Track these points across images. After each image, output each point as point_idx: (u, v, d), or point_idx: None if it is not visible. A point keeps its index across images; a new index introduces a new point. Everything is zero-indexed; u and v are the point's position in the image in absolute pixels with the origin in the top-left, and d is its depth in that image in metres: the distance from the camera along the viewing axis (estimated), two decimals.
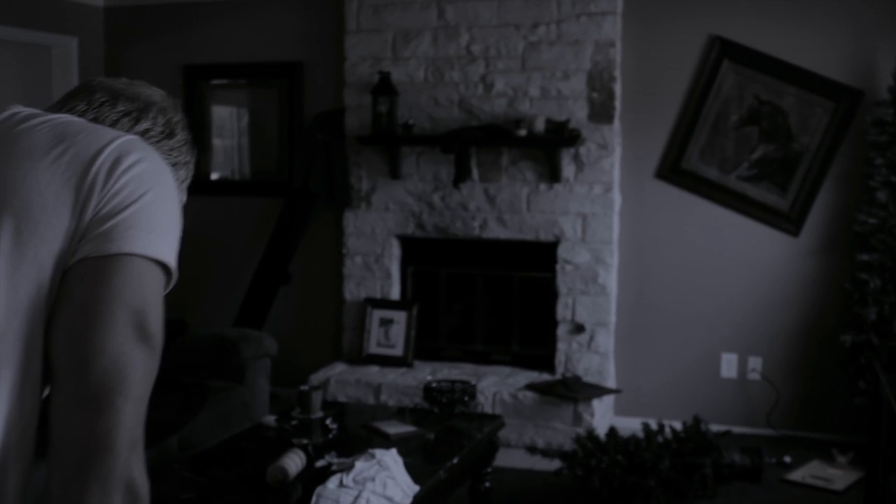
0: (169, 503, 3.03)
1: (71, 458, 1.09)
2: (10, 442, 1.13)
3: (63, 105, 1.35)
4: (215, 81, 6.33)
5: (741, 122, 5.29)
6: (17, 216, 1.12)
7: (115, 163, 1.17)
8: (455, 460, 3.46)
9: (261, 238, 6.15)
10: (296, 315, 6.17)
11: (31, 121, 1.23)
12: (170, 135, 1.39)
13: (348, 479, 2.95)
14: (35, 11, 5.73)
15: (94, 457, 1.08)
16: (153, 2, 6.24)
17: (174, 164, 1.39)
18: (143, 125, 1.35)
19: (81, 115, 1.32)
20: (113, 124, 1.32)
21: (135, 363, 1.11)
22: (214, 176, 6.40)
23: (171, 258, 1.18)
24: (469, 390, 4.05)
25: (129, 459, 1.10)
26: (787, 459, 4.85)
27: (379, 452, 3.10)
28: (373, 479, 2.95)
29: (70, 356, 1.11)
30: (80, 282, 1.12)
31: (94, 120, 1.32)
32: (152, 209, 1.17)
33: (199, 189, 6.23)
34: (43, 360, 1.14)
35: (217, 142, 6.40)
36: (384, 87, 5.60)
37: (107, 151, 1.17)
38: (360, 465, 3.02)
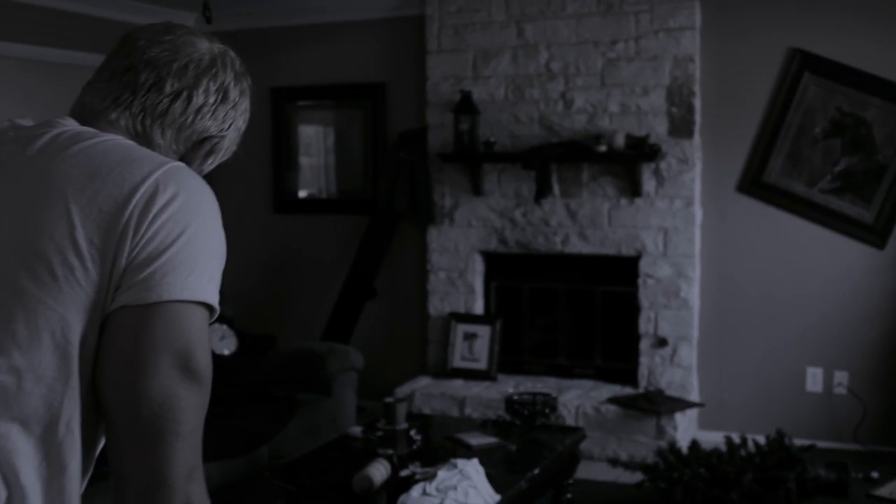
0: None
1: (129, 495, 1.14)
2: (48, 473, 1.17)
3: (109, 89, 1.33)
4: (301, 103, 6.51)
5: (823, 135, 5.27)
6: (52, 260, 1.13)
7: (149, 203, 1.16)
8: (536, 471, 3.53)
9: (347, 255, 6.31)
10: (382, 330, 6.30)
11: (72, 148, 1.21)
12: (224, 99, 1.39)
13: (431, 487, 3.05)
14: None
15: (150, 494, 1.13)
16: (241, 28, 6.45)
17: (230, 126, 1.42)
18: (196, 102, 1.35)
19: (128, 106, 1.31)
20: (163, 114, 1.32)
21: (183, 402, 1.14)
22: (302, 194, 6.58)
23: (211, 296, 1.19)
24: (550, 402, 4.12)
25: (187, 491, 1.14)
26: (875, 475, 4.79)
27: (461, 462, 3.19)
28: (455, 488, 3.04)
29: (119, 401, 1.14)
30: (121, 330, 1.14)
31: (143, 111, 1.31)
32: (190, 249, 1.16)
33: (287, 207, 6.48)
34: (89, 399, 1.17)
35: (304, 160, 6.58)
36: (465, 106, 5.71)
37: (140, 191, 1.16)
38: (442, 474, 3.12)
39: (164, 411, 1.13)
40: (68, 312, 1.13)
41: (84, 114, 1.33)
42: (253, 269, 6.52)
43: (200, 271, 1.17)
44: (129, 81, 1.32)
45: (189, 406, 1.15)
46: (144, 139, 1.32)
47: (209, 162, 1.43)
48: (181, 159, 1.37)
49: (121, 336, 1.14)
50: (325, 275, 6.43)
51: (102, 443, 1.24)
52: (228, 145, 1.45)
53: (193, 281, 1.16)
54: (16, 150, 1.23)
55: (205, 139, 1.39)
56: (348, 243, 6.33)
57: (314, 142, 6.60)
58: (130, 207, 1.15)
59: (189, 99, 1.34)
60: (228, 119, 1.41)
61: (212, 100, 1.36)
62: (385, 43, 6.20)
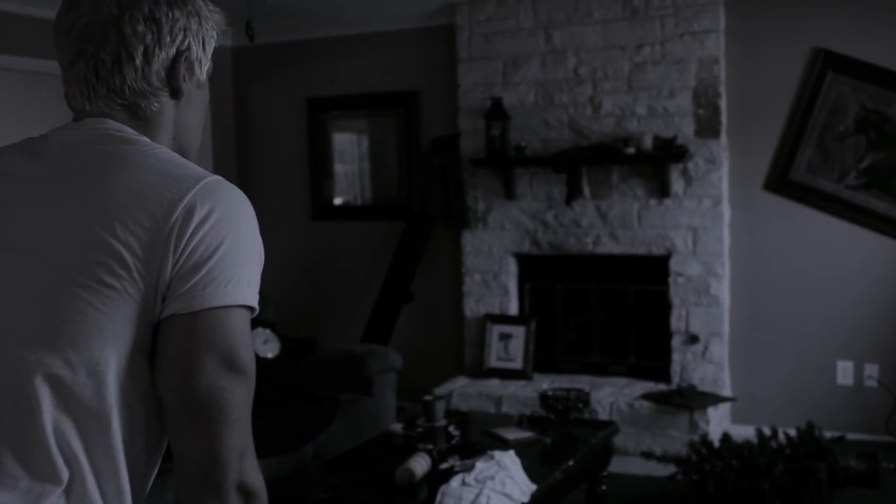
0: (307, 502, 3.32)
1: (189, 475, 1.29)
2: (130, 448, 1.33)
3: (75, 86, 1.38)
4: (337, 112, 6.68)
5: (848, 132, 5.36)
6: (100, 271, 1.25)
7: (187, 219, 1.25)
8: (571, 463, 3.66)
9: (384, 259, 6.47)
10: (419, 332, 6.45)
11: (117, 170, 1.30)
12: (158, 27, 1.37)
13: (470, 478, 3.19)
14: None
15: (206, 473, 1.28)
16: (278, 41, 6.63)
17: (185, 37, 1.39)
18: (137, 51, 1.35)
19: (96, 95, 1.37)
20: (123, 81, 1.36)
21: (228, 394, 1.27)
22: (338, 201, 6.75)
23: (250, 298, 1.30)
24: (583, 397, 4.25)
25: (239, 468, 1.29)
26: None
27: (498, 454, 3.34)
28: (492, 478, 3.18)
29: (174, 396, 1.27)
30: (172, 336, 1.26)
31: (108, 90, 1.36)
32: (227, 259, 1.27)
33: (324, 214, 6.65)
34: (150, 393, 1.32)
35: (339, 167, 6.74)
36: (496, 112, 5.86)
37: (178, 209, 1.25)
38: (480, 465, 3.26)
39: (213, 403, 1.27)
40: (116, 316, 1.26)
41: (79, 115, 1.42)
42: (293, 275, 6.70)
43: (239, 278, 1.28)
44: (78, 72, 1.38)
45: (235, 396, 1.29)
46: (132, 107, 1.40)
47: (201, 68, 1.45)
48: (172, 87, 1.41)
49: (172, 340, 1.28)
50: (362, 279, 6.59)
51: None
52: (207, 42, 1.45)
53: (232, 288, 1.28)
54: (65, 162, 1.34)
55: (172, 63, 1.40)
56: (384, 248, 6.49)
57: (349, 149, 6.76)
58: (170, 224, 1.25)
59: (130, 55, 1.36)
60: (177, 34, 1.39)
61: (149, 37, 1.37)
62: (417, 52, 6.36)
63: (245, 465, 1.30)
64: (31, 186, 1.34)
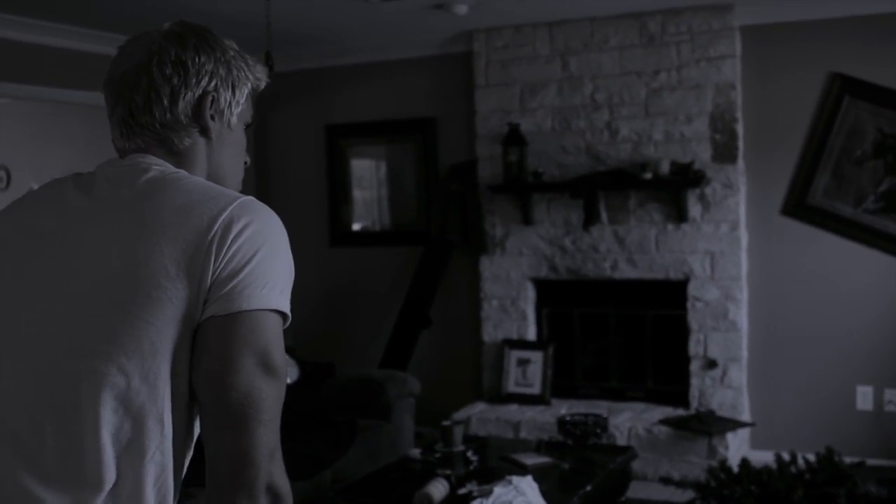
0: None
1: (222, 473, 1.34)
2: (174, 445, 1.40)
3: (117, 129, 1.52)
4: (355, 139, 6.73)
5: (866, 157, 5.36)
6: (148, 285, 1.34)
7: (226, 231, 1.36)
8: (589, 488, 3.66)
9: (402, 285, 6.49)
10: (437, 357, 6.46)
11: (161, 193, 1.41)
12: (185, 70, 1.49)
13: (488, 503, 3.20)
14: None
15: (239, 471, 1.33)
16: (297, 69, 6.69)
17: (211, 80, 1.51)
18: (164, 92, 1.48)
19: (133, 134, 1.49)
20: (154, 119, 1.48)
21: (264, 394, 1.35)
22: (356, 227, 6.79)
23: (283, 304, 1.39)
24: (601, 423, 4.25)
25: (269, 468, 1.35)
26: None
27: (516, 479, 3.35)
28: (510, 503, 3.19)
29: (212, 394, 1.34)
30: (212, 336, 1.35)
31: (143, 128, 1.48)
32: (263, 267, 1.36)
33: (343, 240, 6.69)
34: (187, 393, 1.39)
35: (357, 193, 6.79)
36: (514, 138, 5.89)
37: (218, 222, 1.36)
38: (498, 490, 3.27)
39: (249, 401, 1.34)
40: (163, 325, 1.35)
41: (122, 154, 1.53)
42: (312, 301, 6.73)
43: (272, 285, 1.38)
44: (118, 116, 1.52)
45: (269, 397, 1.36)
46: (166, 141, 1.51)
47: (231, 111, 1.56)
48: (200, 125, 1.52)
49: (211, 340, 1.36)
50: (381, 305, 6.61)
51: (198, 430, 1.45)
52: (238, 89, 1.55)
53: (267, 293, 1.37)
54: (112, 192, 1.46)
55: (198, 102, 1.51)
56: (402, 274, 6.52)
57: (367, 176, 6.80)
58: (210, 235, 1.35)
59: (158, 95, 1.49)
60: (203, 76, 1.51)
61: (175, 79, 1.49)
62: (435, 79, 6.41)
63: (274, 467, 1.37)
64: (81, 214, 1.45)
